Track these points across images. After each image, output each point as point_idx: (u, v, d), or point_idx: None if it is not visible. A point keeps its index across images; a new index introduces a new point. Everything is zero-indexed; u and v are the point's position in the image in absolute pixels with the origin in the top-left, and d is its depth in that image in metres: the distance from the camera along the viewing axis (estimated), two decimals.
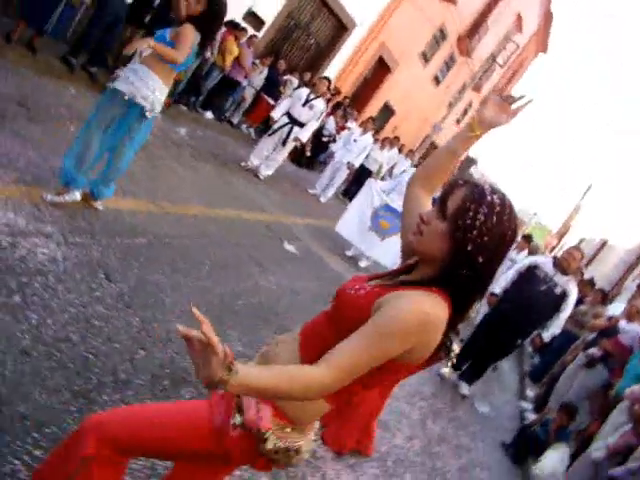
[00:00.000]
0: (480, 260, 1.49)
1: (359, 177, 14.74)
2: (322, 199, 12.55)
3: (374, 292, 1.54)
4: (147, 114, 4.24)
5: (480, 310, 7.29)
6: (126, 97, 4.12)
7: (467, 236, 1.47)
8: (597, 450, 4.72)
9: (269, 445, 1.53)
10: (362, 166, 13.37)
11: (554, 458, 5.52)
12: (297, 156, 13.14)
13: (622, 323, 6.62)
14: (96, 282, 3.67)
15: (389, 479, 4.00)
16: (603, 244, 18.01)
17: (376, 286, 1.58)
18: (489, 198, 1.49)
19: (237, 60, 11.19)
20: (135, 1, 7.85)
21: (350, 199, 14.86)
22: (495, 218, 1.48)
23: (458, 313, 1.53)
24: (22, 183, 4.21)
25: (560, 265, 6.38)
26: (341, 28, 15.33)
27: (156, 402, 1.77)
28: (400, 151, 16.99)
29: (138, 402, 2.77)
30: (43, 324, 2.98)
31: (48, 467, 1.76)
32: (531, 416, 6.98)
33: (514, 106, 1.76)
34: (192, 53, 4.27)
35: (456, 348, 3.97)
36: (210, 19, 4.26)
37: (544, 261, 6.74)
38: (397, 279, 1.60)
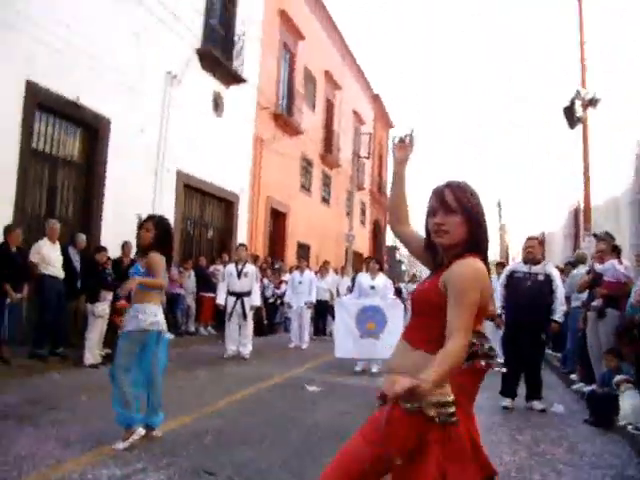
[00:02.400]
0: (484, 222, 2.29)
1: (320, 312, 15.42)
2: (304, 346, 13.04)
3: (434, 280, 2.26)
4: (163, 333, 4.85)
5: (496, 337, 7.81)
6: (140, 330, 4.74)
7: (475, 212, 2.25)
8: None
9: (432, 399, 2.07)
10: (318, 301, 14.05)
11: (627, 400, 5.99)
12: (258, 328, 13.64)
13: (598, 268, 7.38)
14: None
15: None
16: (543, 235, 19.12)
17: (432, 276, 2.30)
18: (462, 184, 2.30)
19: None
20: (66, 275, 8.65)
21: (324, 333, 15.49)
22: (474, 193, 2.30)
23: (485, 264, 2.24)
24: (91, 449, 4.62)
25: (528, 259, 7.23)
26: (228, 203, 16.62)
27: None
28: (336, 272, 18.09)
29: None
30: None
31: None
32: (587, 389, 7.41)
33: (407, 140, 2.56)
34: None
35: (491, 347, 4.54)
36: (164, 240, 5.01)
37: (515, 264, 7.65)
38: (442, 266, 2.27)
